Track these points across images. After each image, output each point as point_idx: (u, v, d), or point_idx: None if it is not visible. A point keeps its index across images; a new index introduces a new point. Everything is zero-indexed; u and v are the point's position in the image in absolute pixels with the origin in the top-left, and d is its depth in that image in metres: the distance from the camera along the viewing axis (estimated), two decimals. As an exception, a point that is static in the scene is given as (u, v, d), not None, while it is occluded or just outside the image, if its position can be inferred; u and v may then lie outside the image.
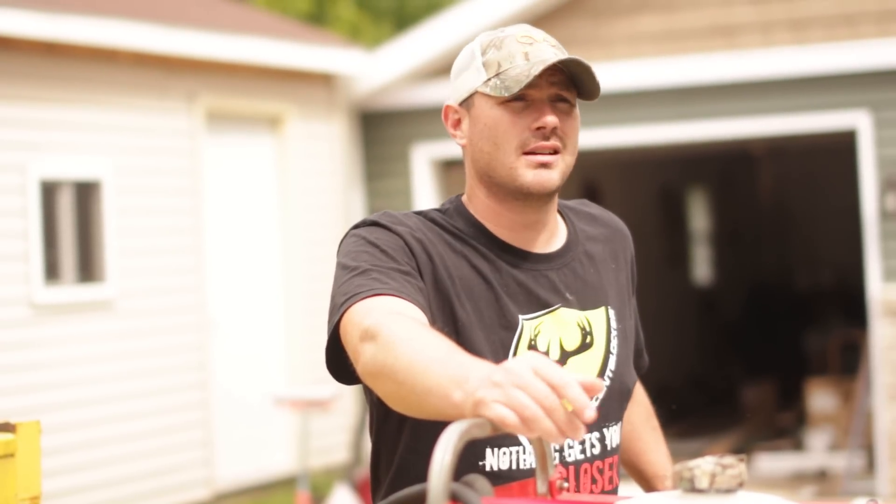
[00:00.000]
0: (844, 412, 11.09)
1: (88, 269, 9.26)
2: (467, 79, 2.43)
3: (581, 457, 2.40)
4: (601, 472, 2.43)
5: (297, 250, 10.82)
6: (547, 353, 2.37)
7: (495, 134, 2.38)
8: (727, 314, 17.14)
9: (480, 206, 2.45)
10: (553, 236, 2.48)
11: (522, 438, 2.32)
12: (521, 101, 2.36)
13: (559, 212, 2.55)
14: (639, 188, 15.62)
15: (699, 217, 17.63)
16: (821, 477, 10.48)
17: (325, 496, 9.66)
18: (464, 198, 2.49)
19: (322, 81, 11.25)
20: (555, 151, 2.38)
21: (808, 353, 14.31)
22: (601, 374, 2.44)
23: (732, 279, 17.41)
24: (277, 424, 10.61)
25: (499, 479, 2.32)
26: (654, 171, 15.69)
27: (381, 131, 11.36)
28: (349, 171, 11.39)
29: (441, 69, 10.94)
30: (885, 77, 9.81)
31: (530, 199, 2.40)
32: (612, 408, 2.46)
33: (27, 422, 2.67)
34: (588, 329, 2.44)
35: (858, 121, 9.86)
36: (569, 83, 2.38)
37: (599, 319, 2.47)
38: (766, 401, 13.20)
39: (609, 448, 2.46)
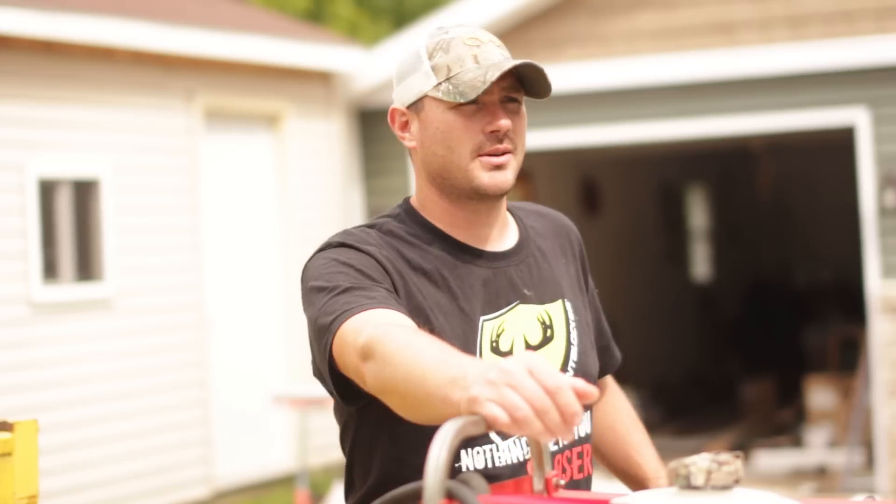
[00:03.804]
0: (844, 409, 11.09)
1: (87, 267, 9.26)
2: (415, 82, 2.43)
3: (554, 448, 2.41)
4: (570, 461, 2.44)
5: (295, 248, 10.82)
6: (511, 351, 2.39)
7: (449, 138, 2.39)
8: (726, 311, 17.15)
9: (433, 208, 2.46)
10: (506, 233, 2.50)
11: (494, 436, 2.35)
12: (473, 104, 2.37)
13: (508, 211, 2.57)
14: (638, 185, 15.62)
15: (698, 214, 17.64)
16: (820, 474, 10.49)
17: (324, 494, 9.67)
18: (413, 200, 2.50)
19: (320, 79, 11.25)
20: (506, 152, 2.40)
21: (808, 350, 14.31)
22: (564, 365, 2.46)
23: (731, 276, 17.42)
24: (276, 422, 10.62)
25: None
26: (652, 169, 15.69)
27: (379, 129, 11.36)
28: (348, 168, 11.39)
29: (439, 67, 10.94)
30: (884, 74, 9.81)
31: (486, 200, 2.42)
32: None
33: (25, 420, 2.67)
34: (548, 322, 2.46)
35: (857, 117, 9.86)
36: (517, 83, 2.40)
37: (558, 312, 2.49)
38: (766, 397, 13.21)
39: (577, 437, 2.47)
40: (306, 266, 2.39)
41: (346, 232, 2.40)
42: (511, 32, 10.70)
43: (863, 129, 9.83)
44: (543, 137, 10.70)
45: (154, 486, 9.56)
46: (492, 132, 2.38)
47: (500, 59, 2.38)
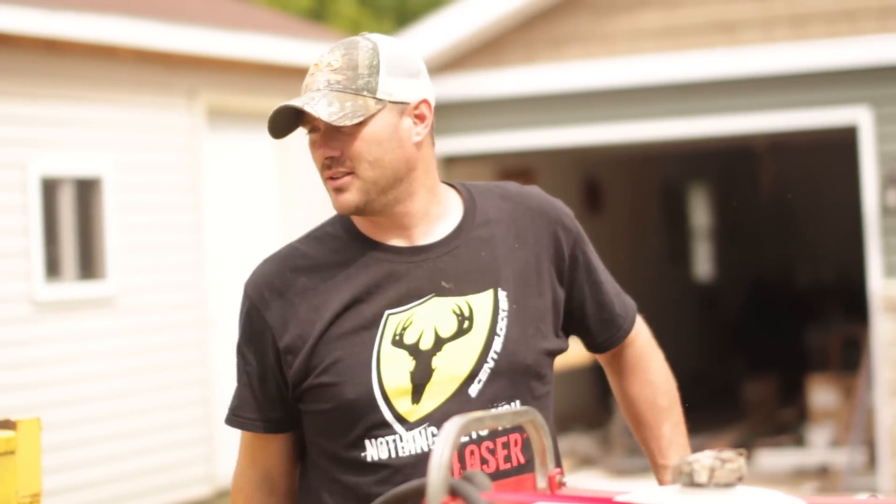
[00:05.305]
0: (845, 408, 11.09)
1: (89, 265, 9.26)
2: None
3: (465, 439, 2.40)
4: (492, 451, 2.41)
5: (298, 247, 10.82)
6: (418, 342, 2.41)
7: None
8: (728, 310, 17.14)
9: None
10: (435, 225, 2.51)
11: (398, 427, 2.39)
12: (314, 131, 2.46)
13: (464, 195, 2.57)
14: (640, 185, 15.62)
15: (700, 213, 17.63)
16: (822, 473, 10.49)
17: (326, 493, 9.66)
18: None
19: (323, 78, 11.24)
20: (346, 174, 2.45)
21: (809, 349, 14.31)
22: (483, 356, 2.44)
23: (733, 275, 17.41)
24: (279, 421, 10.61)
25: (381, 468, 2.38)
26: (654, 168, 15.69)
27: (381, 128, 11.35)
28: (350, 167, 11.39)
29: (443, 65, 10.93)
30: (886, 73, 9.81)
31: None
32: (499, 387, 2.45)
33: (28, 419, 2.67)
34: (466, 314, 2.46)
35: (859, 117, 9.86)
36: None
37: (483, 303, 2.47)
38: (768, 397, 13.20)
39: (500, 428, 2.43)
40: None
41: (261, 267, 2.73)
42: (513, 32, 10.70)
43: (865, 128, 9.83)
44: (545, 136, 10.69)
45: (156, 485, 9.56)
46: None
47: (305, 96, 2.44)
